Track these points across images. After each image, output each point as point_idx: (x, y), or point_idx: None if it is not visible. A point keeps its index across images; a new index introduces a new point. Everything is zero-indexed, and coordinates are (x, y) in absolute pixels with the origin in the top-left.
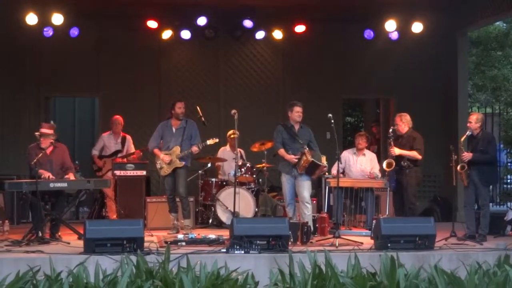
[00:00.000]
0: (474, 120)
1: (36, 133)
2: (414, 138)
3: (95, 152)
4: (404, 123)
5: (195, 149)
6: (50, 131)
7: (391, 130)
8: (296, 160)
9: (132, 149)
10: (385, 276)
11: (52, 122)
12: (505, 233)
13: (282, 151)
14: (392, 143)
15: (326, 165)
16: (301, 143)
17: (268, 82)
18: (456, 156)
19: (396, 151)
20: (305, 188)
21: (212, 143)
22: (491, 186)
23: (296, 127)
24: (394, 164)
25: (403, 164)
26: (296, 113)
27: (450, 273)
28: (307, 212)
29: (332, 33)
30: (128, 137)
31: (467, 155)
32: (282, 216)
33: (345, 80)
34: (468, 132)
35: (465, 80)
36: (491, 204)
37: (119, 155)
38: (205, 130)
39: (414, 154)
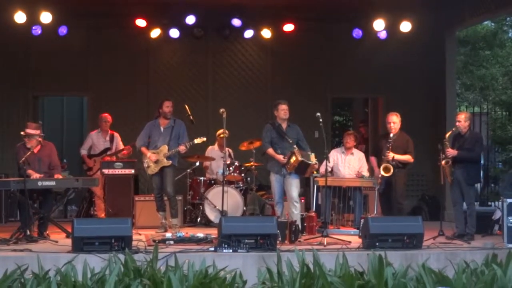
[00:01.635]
0: (463, 119)
1: (22, 133)
2: (407, 141)
3: (84, 151)
4: (400, 122)
5: (182, 148)
6: (36, 132)
7: (392, 134)
8: (285, 160)
9: (121, 146)
10: (373, 275)
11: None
12: (493, 232)
13: (270, 151)
14: (390, 147)
15: (316, 162)
16: (290, 142)
17: (256, 81)
18: (444, 155)
19: (393, 156)
20: (294, 187)
21: (200, 142)
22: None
23: (284, 125)
24: (392, 169)
25: (392, 164)
26: (282, 110)
27: (438, 272)
28: (296, 211)
29: (320, 32)
30: (116, 134)
31: (452, 152)
32: (271, 215)
33: (333, 79)
34: (454, 129)
35: (453, 79)
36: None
37: (109, 152)
38: (193, 129)
39: (409, 158)
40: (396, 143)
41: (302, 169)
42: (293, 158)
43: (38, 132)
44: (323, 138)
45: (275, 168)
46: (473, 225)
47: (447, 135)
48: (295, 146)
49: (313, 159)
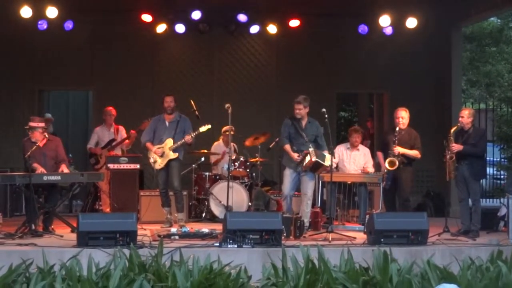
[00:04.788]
0: (466, 115)
1: (26, 127)
2: (415, 137)
3: (90, 145)
4: (408, 117)
5: (188, 138)
6: (40, 124)
7: (398, 128)
8: (299, 160)
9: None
10: (378, 271)
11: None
12: (498, 229)
13: (287, 147)
14: (396, 141)
15: (330, 165)
16: (306, 140)
17: (262, 76)
18: (449, 152)
19: (400, 150)
20: (309, 185)
21: (205, 130)
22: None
23: (304, 122)
24: (397, 163)
25: (397, 159)
26: (295, 109)
27: (442, 268)
28: (306, 209)
29: (326, 27)
30: (121, 127)
31: (457, 146)
32: (276, 210)
33: (339, 75)
34: (458, 124)
35: (459, 75)
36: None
37: (114, 143)
38: (198, 124)
39: (416, 153)
40: (403, 139)
41: (315, 168)
42: (308, 158)
43: (41, 125)
44: (328, 133)
45: (290, 164)
46: (478, 222)
47: (452, 130)
48: (311, 145)
49: (327, 160)
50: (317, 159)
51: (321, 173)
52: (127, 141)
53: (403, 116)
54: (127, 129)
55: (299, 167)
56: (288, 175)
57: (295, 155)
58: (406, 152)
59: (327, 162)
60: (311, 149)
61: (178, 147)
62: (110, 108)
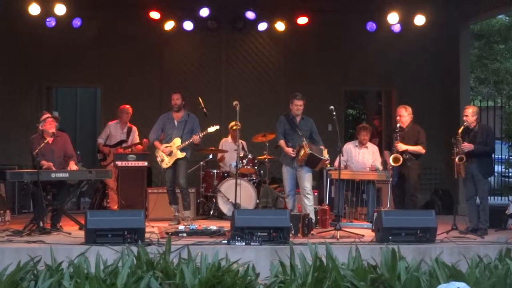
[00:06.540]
0: (471, 114)
1: (38, 123)
2: (418, 132)
3: (101, 140)
4: (408, 115)
5: (196, 138)
6: (48, 114)
7: (398, 125)
8: (294, 154)
9: (136, 139)
10: (386, 269)
11: (56, 113)
12: (506, 227)
13: (282, 143)
14: (398, 137)
15: (328, 158)
16: (301, 135)
17: (270, 73)
18: (457, 149)
19: (402, 146)
20: (306, 179)
21: (213, 130)
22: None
23: (298, 118)
24: (401, 159)
25: (405, 157)
26: (295, 106)
27: (451, 266)
28: (308, 203)
29: (334, 25)
30: (134, 128)
31: (468, 146)
32: (283, 208)
33: (347, 72)
34: (465, 124)
35: (467, 73)
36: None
37: (124, 145)
38: (206, 122)
39: (420, 149)
40: (407, 135)
41: (313, 163)
42: (302, 152)
43: (48, 115)
44: (336, 131)
45: (286, 160)
46: (486, 220)
47: (460, 130)
48: (304, 139)
49: (325, 154)
50: (311, 152)
51: (320, 168)
52: (138, 146)
53: (401, 114)
54: (137, 126)
55: (295, 162)
56: (286, 173)
57: (290, 150)
58: (410, 148)
59: (324, 156)
60: (304, 142)
61: (185, 147)
62: (127, 106)
